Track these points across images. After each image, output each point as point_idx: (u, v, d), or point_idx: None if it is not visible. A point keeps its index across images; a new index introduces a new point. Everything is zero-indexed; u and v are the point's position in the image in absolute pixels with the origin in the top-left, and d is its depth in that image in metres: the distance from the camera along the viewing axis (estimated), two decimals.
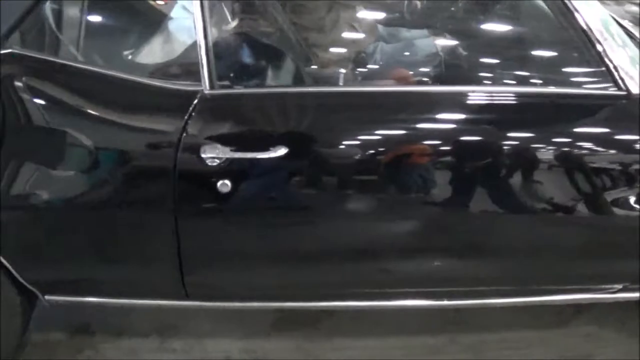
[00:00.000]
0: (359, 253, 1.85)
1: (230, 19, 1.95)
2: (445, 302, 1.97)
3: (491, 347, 2.24)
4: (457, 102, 1.83)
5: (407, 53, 2.29)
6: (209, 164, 1.68)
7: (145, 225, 1.81)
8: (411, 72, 2.17)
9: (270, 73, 1.98)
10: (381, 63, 2.23)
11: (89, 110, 1.75)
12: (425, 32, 2.35)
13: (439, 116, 1.83)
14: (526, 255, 1.91)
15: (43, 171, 1.75)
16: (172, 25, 2.00)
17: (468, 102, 1.83)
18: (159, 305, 1.99)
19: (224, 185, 1.69)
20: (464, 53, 2.19)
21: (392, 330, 2.28)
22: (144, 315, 2.31)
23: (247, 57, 2.02)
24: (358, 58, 2.28)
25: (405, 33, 2.36)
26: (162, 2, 2.11)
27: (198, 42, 1.72)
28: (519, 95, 1.85)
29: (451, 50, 2.22)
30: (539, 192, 1.83)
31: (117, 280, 1.92)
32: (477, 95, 1.84)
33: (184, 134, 1.68)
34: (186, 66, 1.88)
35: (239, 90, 1.85)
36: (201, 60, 1.72)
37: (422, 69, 2.21)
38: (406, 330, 2.28)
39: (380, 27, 2.37)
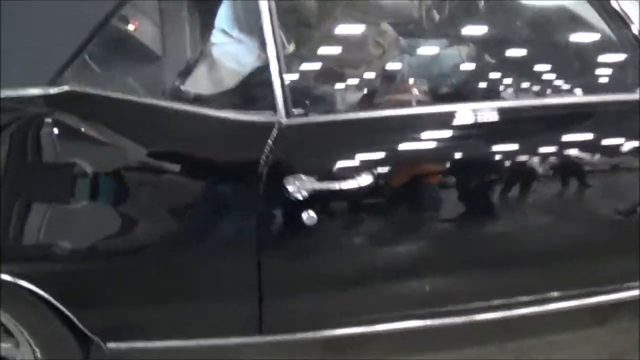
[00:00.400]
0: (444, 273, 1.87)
1: (286, 44, 1.88)
2: (506, 313, 1.99)
3: (540, 350, 2.28)
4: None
5: (433, 65, 2.28)
6: (293, 195, 1.63)
7: (224, 261, 1.74)
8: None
9: (339, 97, 1.94)
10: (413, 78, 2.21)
11: (164, 149, 1.67)
12: (445, 41, 2.34)
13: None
14: (571, 260, 1.94)
15: (111, 213, 1.67)
16: (215, 52, 1.92)
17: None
18: (226, 344, 1.91)
19: (309, 216, 1.65)
20: (493, 61, 2.19)
21: (443, 344, 2.28)
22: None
23: (317, 82, 1.96)
24: (388, 74, 2.25)
25: (426, 44, 2.34)
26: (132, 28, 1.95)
27: (271, 70, 1.66)
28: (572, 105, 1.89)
29: (479, 59, 2.22)
30: (586, 197, 1.88)
31: (187, 321, 1.85)
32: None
33: (266, 166, 1.63)
34: (251, 95, 1.80)
35: (315, 118, 1.76)
36: (275, 88, 1.66)
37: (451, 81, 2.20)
38: (456, 343, 2.29)
39: (401, 39, 2.35)
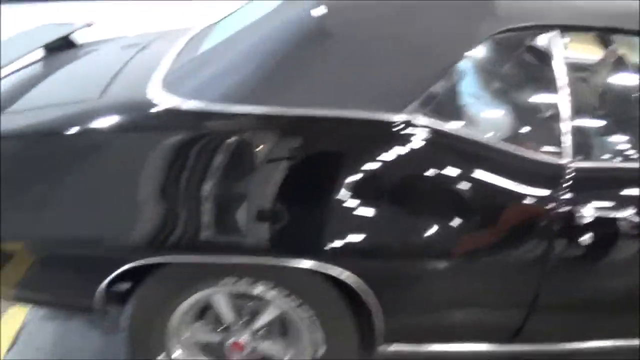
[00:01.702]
0: None
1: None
2: None
3: None
4: None
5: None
6: (578, 223, 1.86)
7: (511, 276, 1.95)
8: None
9: (612, 146, 2.16)
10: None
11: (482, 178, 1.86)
12: None
13: None
14: None
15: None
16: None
17: None
18: (479, 351, 2.10)
19: (586, 240, 1.88)
20: None
21: None
22: None
23: (598, 131, 2.19)
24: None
25: None
26: None
27: (561, 115, 1.89)
28: None
29: None
30: None
31: (459, 326, 2.04)
32: None
33: (559, 203, 1.86)
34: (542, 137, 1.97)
35: (598, 163, 2.03)
36: (565, 132, 1.89)
37: None
38: None
39: None
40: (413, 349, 2.08)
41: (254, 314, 2.05)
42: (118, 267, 1.85)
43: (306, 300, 1.94)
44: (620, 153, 2.10)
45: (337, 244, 1.80)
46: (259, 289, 1.94)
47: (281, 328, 2.09)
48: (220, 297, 2.00)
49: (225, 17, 2.55)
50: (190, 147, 1.78)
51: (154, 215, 1.80)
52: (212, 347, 2.13)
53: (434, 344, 2.09)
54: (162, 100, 1.84)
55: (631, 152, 2.07)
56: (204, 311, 2.08)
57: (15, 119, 1.95)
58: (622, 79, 2.44)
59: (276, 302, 1.97)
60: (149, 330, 2.04)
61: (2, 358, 2.44)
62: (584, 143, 2.00)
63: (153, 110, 1.83)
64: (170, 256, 1.84)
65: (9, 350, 2.52)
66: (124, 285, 1.97)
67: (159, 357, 2.09)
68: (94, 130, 1.83)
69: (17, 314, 2.71)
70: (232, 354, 2.09)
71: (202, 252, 1.84)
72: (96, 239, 1.86)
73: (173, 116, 1.81)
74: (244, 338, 2.08)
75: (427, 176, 1.82)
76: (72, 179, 1.83)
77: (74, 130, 1.83)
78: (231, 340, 2.07)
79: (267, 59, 1.88)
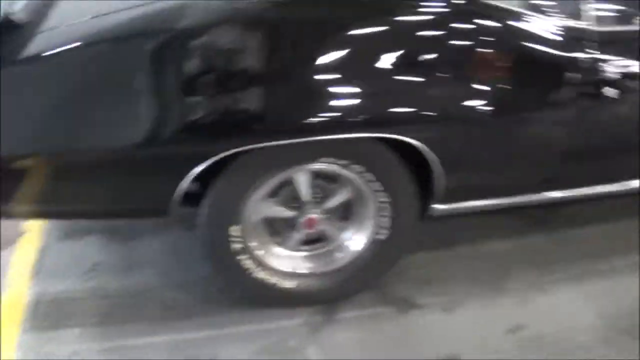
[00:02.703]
0: None
1: None
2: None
3: None
4: None
5: None
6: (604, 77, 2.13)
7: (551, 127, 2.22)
8: None
9: None
10: None
11: None
12: None
13: None
14: None
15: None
16: None
17: None
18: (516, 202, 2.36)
19: (610, 92, 2.14)
20: None
21: None
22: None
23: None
24: None
25: None
26: None
27: None
28: None
29: None
30: None
31: (505, 181, 2.31)
32: None
33: (587, 61, 2.12)
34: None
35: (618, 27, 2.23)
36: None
37: None
38: None
39: None
40: (464, 205, 2.30)
41: (327, 194, 2.24)
42: (202, 161, 1.93)
43: (376, 173, 2.13)
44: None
45: (405, 115, 2.03)
46: (336, 167, 2.10)
47: (344, 212, 2.30)
48: (301, 175, 2.14)
49: None
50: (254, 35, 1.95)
51: (239, 106, 1.93)
52: (277, 226, 2.30)
53: (482, 200, 2.32)
54: None
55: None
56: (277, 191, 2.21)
57: (68, 32, 1.99)
58: None
59: (351, 179, 2.16)
60: (228, 222, 2.13)
61: (29, 286, 2.49)
62: (604, 11, 2.17)
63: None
64: (258, 143, 1.94)
65: (35, 275, 2.56)
66: (194, 187, 2.05)
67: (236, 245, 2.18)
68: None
69: (26, 245, 2.75)
70: (301, 231, 2.26)
71: (285, 136, 1.96)
72: (179, 136, 1.92)
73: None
74: (317, 215, 2.22)
75: (475, 44, 2.05)
76: (149, 79, 1.92)
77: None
78: (305, 217, 2.22)
79: None
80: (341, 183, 2.22)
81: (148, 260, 2.62)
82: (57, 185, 2.00)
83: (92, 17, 2.03)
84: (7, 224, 2.63)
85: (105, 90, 1.91)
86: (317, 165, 2.10)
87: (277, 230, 2.29)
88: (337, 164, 2.09)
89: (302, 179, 2.16)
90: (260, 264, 2.24)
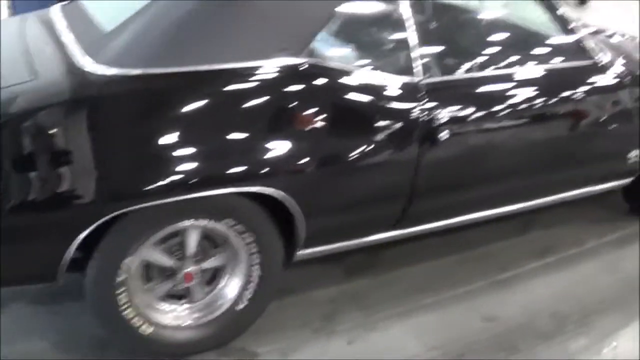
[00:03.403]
0: None
1: None
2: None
3: None
4: None
5: None
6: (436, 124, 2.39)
7: (393, 171, 2.40)
8: None
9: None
10: None
11: None
12: None
13: None
14: None
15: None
16: None
17: None
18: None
19: (444, 135, 2.38)
20: None
21: None
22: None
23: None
24: None
25: None
26: None
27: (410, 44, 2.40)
28: None
29: None
30: None
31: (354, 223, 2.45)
32: None
33: (419, 111, 2.35)
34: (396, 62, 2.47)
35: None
36: (415, 57, 2.39)
37: None
38: None
39: None
40: (323, 249, 2.44)
41: (207, 255, 2.30)
42: (89, 225, 1.96)
43: (245, 225, 2.20)
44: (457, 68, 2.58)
45: (265, 168, 2.11)
46: (204, 223, 2.16)
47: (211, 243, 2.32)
48: (192, 230, 2.20)
49: None
50: (122, 107, 2.03)
51: (120, 168, 1.99)
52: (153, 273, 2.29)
53: (339, 242, 2.47)
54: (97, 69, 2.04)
55: (464, 66, 2.58)
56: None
57: None
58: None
59: (226, 236, 2.23)
60: (113, 281, 2.11)
61: None
62: (430, 64, 2.45)
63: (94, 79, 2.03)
64: (140, 204, 1.99)
65: None
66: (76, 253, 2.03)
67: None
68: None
69: None
70: (178, 282, 2.28)
71: (155, 197, 2.00)
72: (65, 199, 1.94)
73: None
74: (194, 271, 2.27)
75: (325, 102, 2.20)
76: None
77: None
78: (186, 270, 2.26)
79: (177, 25, 2.15)
80: (221, 247, 2.29)
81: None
82: None
83: None
84: None
85: None
86: (191, 222, 2.14)
87: (151, 277, 2.27)
88: (208, 220, 2.16)
89: (192, 234, 2.20)
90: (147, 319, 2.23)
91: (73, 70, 2.08)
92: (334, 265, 2.78)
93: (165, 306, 2.28)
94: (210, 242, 2.29)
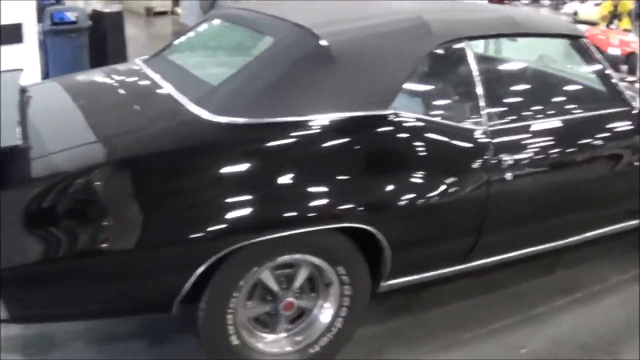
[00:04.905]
0: None
1: None
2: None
3: None
4: None
5: None
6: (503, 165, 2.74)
7: (465, 208, 2.70)
8: None
9: None
10: None
11: None
12: None
13: None
14: None
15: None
16: None
17: None
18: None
19: (509, 176, 2.74)
20: None
21: None
22: None
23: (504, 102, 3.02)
24: None
25: None
26: None
27: (478, 96, 2.77)
28: None
29: None
30: None
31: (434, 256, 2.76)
32: None
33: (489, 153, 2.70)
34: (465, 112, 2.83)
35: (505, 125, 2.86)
36: (482, 106, 2.75)
37: None
38: None
39: None
40: (404, 280, 2.71)
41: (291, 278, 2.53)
42: (210, 258, 2.21)
43: (335, 257, 2.48)
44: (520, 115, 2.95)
45: (364, 206, 2.43)
46: (302, 257, 2.44)
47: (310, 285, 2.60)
48: (265, 274, 2.43)
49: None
50: (240, 151, 2.34)
51: (236, 207, 2.25)
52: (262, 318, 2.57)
53: (416, 275, 2.74)
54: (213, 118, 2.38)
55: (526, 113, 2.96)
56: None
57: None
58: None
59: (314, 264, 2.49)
60: (225, 313, 2.37)
61: None
62: (494, 112, 2.81)
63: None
64: (253, 239, 2.25)
65: None
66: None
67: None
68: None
69: None
70: (283, 315, 2.54)
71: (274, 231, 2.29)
72: (189, 235, 2.19)
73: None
74: (291, 298, 2.53)
75: (410, 148, 2.56)
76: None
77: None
78: (283, 303, 2.51)
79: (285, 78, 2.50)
80: (297, 265, 2.50)
81: None
82: (67, 288, 2.17)
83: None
84: None
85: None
86: (298, 257, 2.43)
87: (262, 321, 2.55)
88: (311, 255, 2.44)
89: (266, 276, 2.44)
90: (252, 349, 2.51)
91: (189, 118, 2.39)
92: (376, 305, 2.98)
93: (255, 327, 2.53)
94: (310, 284, 2.56)
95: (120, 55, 6.15)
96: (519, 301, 3.17)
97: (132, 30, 7.70)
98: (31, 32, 5.36)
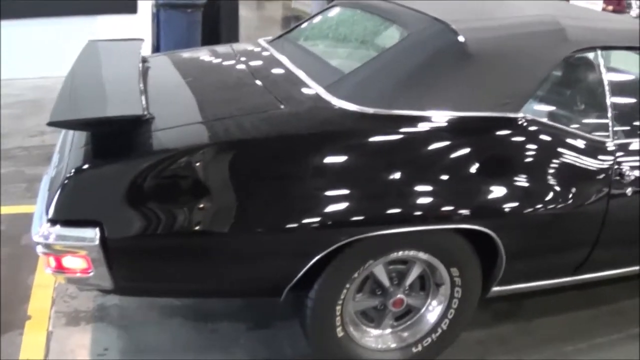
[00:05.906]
0: None
1: None
2: None
3: None
4: None
5: None
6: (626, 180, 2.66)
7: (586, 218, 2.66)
8: None
9: None
10: None
11: None
12: None
13: None
14: None
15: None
16: None
17: None
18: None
19: (630, 191, 2.66)
20: None
21: None
22: None
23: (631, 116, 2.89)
24: None
25: None
26: None
27: (607, 108, 2.72)
28: None
29: None
30: None
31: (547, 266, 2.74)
32: None
33: (613, 166, 2.65)
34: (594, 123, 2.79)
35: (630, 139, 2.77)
36: (610, 119, 2.72)
37: None
38: None
39: None
40: (514, 287, 2.74)
41: (403, 275, 2.56)
42: (328, 248, 2.23)
43: (451, 257, 2.50)
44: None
45: (484, 209, 2.42)
46: (417, 254, 2.46)
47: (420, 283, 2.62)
48: (378, 268, 2.45)
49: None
50: (366, 140, 2.34)
51: (360, 198, 2.26)
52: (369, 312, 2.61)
53: (527, 283, 2.77)
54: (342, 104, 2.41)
55: None
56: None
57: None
58: None
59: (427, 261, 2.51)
60: (334, 303, 2.41)
61: None
62: (621, 126, 2.75)
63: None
64: (372, 232, 2.27)
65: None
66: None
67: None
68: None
69: (33, 330, 2.76)
70: (391, 311, 2.59)
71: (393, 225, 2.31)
72: (311, 223, 2.20)
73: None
74: (401, 295, 2.56)
75: (537, 155, 2.52)
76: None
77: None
78: (392, 299, 2.55)
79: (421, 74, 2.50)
80: (410, 262, 2.54)
81: (155, 347, 2.72)
82: (185, 264, 2.23)
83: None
84: (10, 307, 2.64)
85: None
86: (413, 253, 2.45)
87: (368, 315, 2.61)
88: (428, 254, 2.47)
89: (379, 270, 2.48)
90: (356, 343, 2.56)
91: (320, 104, 2.41)
92: (482, 310, 3.02)
93: (362, 321, 2.59)
94: (420, 282, 2.59)
95: (233, 36, 6.15)
96: (620, 318, 3.18)
97: (244, 12, 7.76)
98: (146, 4, 5.45)
